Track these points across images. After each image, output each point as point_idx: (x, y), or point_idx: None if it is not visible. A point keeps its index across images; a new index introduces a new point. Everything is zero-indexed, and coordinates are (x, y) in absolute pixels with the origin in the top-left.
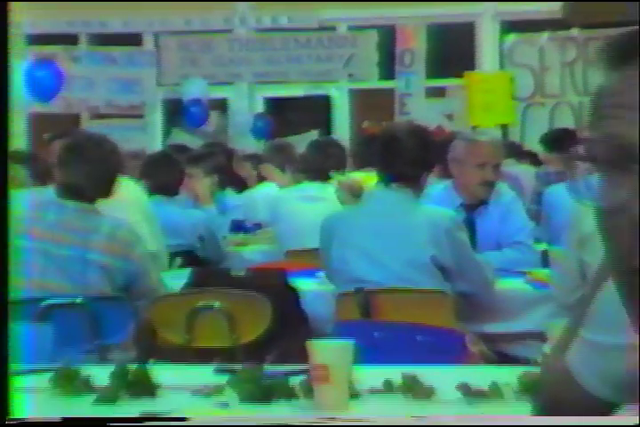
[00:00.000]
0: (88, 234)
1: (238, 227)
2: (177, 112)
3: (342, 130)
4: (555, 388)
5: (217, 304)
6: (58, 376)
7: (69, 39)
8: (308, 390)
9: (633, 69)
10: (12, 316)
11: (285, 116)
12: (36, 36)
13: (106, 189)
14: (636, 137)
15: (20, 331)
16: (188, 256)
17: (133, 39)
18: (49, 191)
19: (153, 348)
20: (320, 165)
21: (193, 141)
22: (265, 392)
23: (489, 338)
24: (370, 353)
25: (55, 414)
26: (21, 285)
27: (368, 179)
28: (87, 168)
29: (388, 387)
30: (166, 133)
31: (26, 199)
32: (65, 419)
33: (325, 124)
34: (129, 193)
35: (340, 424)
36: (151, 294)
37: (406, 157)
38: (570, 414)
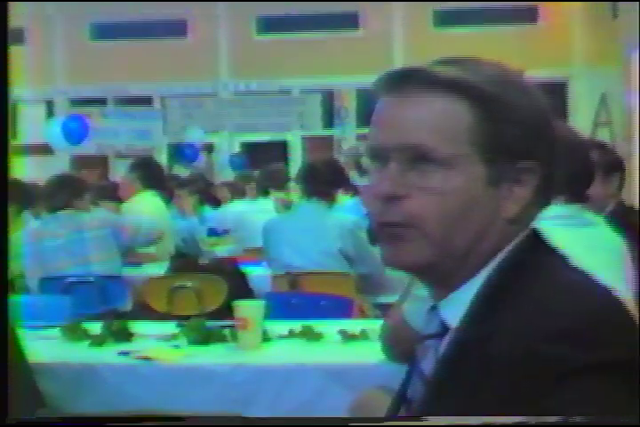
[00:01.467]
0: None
1: (212, 232)
2: (177, 153)
3: (296, 164)
4: (393, 327)
5: (189, 284)
6: (65, 328)
7: (101, 101)
8: (234, 336)
9: None
10: (43, 289)
11: (255, 155)
12: (77, 100)
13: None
14: None
15: (49, 299)
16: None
17: (146, 101)
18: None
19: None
20: (264, 186)
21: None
22: (205, 337)
23: (378, 305)
24: (288, 313)
25: (62, 354)
26: (44, 267)
27: (295, 195)
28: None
29: (291, 334)
30: (170, 168)
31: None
32: (65, 419)
33: (285, 160)
34: (146, 204)
35: (339, 424)
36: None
37: (320, 178)
38: (402, 344)
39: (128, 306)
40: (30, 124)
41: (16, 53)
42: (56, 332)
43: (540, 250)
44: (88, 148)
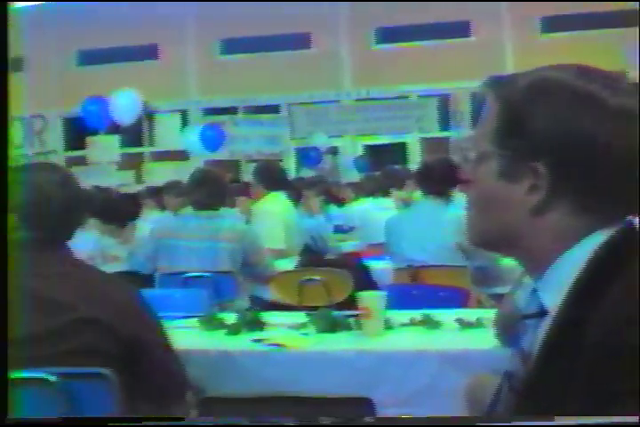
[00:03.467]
0: (216, 230)
1: (338, 229)
2: (303, 156)
3: (414, 164)
4: (506, 315)
5: (317, 277)
6: (202, 319)
7: (231, 110)
8: (359, 324)
9: None
10: (163, 285)
11: (377, 156)
12: (211, 109)
13: (223, 202)
14: None
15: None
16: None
17: (274, 109)
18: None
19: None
20: (386, 186)
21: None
22: (332, 326)
23: (493, 295)
24: (409, 303)
25: (200, 342)
26: (171, 265)
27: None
28: (214, 190)
29: (412, 322)
30: (297, 170)
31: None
32: (65, 419)
33: (404, 161)
34: (274, 204)
35: (342, 424)
36: (259, 268)
37: (437, 177)
38: (514, 331)
39: (242, 300)
40: (166, 133)
41: (150, 68)
42: (194, 322)
43: (635, 240)
44: (221, 153)
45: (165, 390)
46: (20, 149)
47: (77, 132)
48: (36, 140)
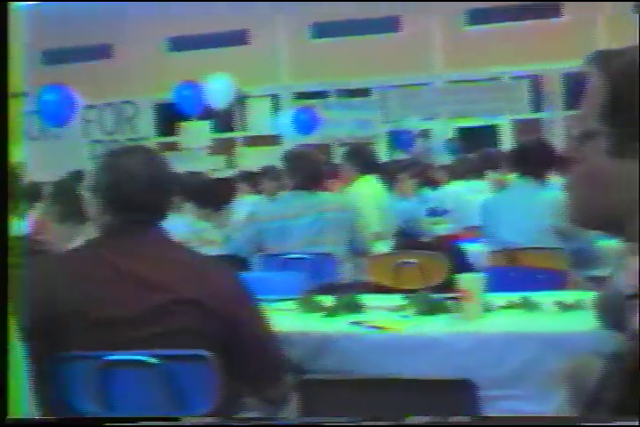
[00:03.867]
0: (318, 204)
1: (433, 212)
2: (395, 140)
3: (506, 146)
4: (606, 296)
5: (413, 260)
6: (300, 301)
7: (324, 94)
8: (457, 307)
9: None
10: (262, 266)
11: (469, 139)
12: (301, 93)
13: (320, 183)
14: None
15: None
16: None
17: (365, 92)
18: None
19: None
20: (480, 168)
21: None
22: (431, 309)
23: (591, 278)
24: (506, 285)
25: (298, 324)
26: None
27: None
28: (310, 171)
29: (510, 304)
30: (390, 154)
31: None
32: (61, 419)
33: (496, 143)
34: (367, 188)
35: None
36: (361, 247)
37: (532, 159)
38: (614, 312)
39: (340, 282)
40: (257, 118)
41: (240, 53)
42: (292, 304)
43: None
44: (312, 137)
45: (263, 372)
46: (112, 136)
47: (168, 118)
48: (127, 127)
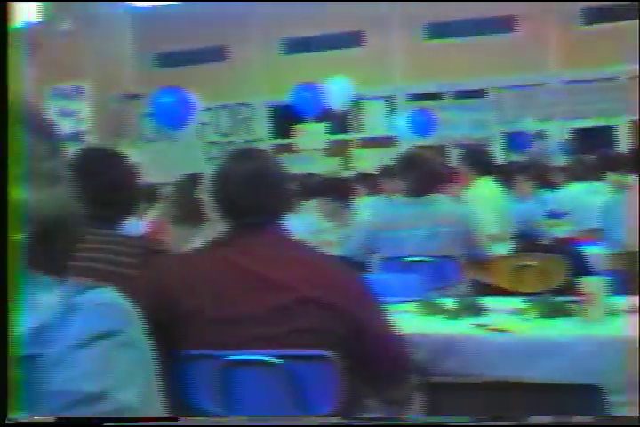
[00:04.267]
0: (434, 216)
1: (551, 214)
2: (511, 141)
3: (623, 147)
4: None
5: (533, 263)
6: (421, 303)
7: (439, 95)
8: (580, 310)
9: None
10: (382, 269)
11: (585, 140)
12: (416, 95)
13: (435, 187)
14: None
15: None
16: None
17: (480, 93)
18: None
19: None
20: (599, 169)
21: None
22: (553, 311)
23: None
24: (627, 289)
25: (419, 326)
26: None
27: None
28: (426, 174)
29: (633, 308)
30: (506, 155)
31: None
32: (59, 419)
33: (613, 144)
34: (484, 190)
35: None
36: (479, 250)
37: None
38: None
39: (461, 285)
40: (372, 120)
41: (355, 56)
42: (412, 307)
43: None
44: (427, 139)
45: (386, 372)
46: (227, 138)
47: (284, 119)
48: (243, 129)
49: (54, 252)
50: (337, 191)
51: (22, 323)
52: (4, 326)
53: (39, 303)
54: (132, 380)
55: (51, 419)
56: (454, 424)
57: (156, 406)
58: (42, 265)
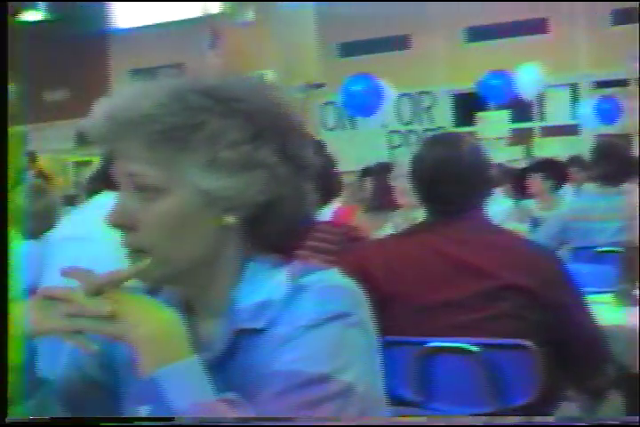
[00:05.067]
0: (628, 207)
1: None
2: None
3: None
4: None
5: None
6: (616, 294)
7: (624, 82)
8: None
9: None
10: (572, 259)
11: None
12: (602, 82)
13: (628, 177)
14: None
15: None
16: None
17: None
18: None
19: None
20: None
21: None
22: None
23: None
24: None
25: (614, 317)
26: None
27: None
28: (620, 163)
29: None
30: None
31: None
32: (55, 418)
33: None
34: None
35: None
36: None
37: None
38: None
39: None
40: (556, 107)
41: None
42: (607, 298)
43: None
44: (612, 127)
45: (588, 360)
46: (409, 126)
47: (465, 108)
48: (425, 117)
49: (277, 234)
50: (553, 171)
51: (244, 298)
52: (4, 327)
53: (262, 281)
54: (359, 361)
55: (51, 419)
56: (456, 425)
57: (378, 389)
58: (266, 246)
